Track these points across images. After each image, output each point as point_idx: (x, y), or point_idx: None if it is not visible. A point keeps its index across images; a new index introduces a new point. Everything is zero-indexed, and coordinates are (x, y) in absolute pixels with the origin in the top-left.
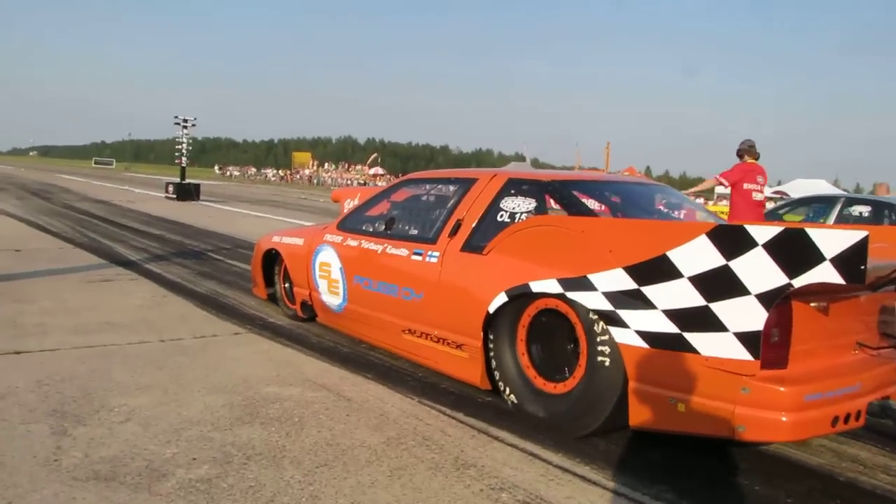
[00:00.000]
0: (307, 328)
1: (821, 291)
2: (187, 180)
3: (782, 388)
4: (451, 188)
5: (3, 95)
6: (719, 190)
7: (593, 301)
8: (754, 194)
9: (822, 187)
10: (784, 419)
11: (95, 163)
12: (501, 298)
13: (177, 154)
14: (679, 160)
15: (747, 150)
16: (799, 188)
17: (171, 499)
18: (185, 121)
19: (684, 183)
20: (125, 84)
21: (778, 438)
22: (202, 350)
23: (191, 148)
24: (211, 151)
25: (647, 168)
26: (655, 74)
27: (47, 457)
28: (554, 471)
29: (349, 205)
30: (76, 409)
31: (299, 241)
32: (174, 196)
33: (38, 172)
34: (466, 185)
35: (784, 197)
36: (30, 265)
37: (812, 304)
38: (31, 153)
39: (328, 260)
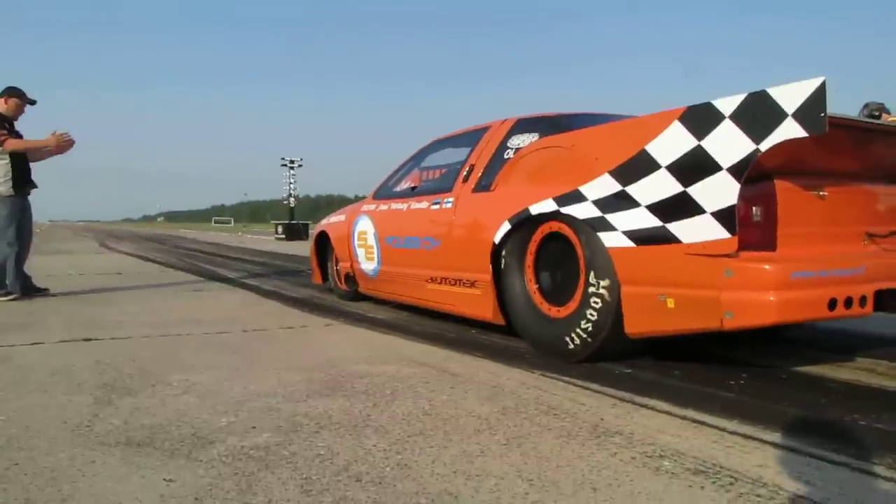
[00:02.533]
0: (407, 318)
1: (809, 172)
2: (296, 220)
3: (767, 266)
4: (468, 140)
5: (132, 171)
6: None
7: (584, 211)
8: None
9: None
10: (771, 298)
11: (214, 222)
12: (505, 227)
13: (285, 195)
14: None
15: (876, 113)
16: None
17: (213, 465)
18: (292, 162)
19: None
20: (240, 149)
21: (766, 321)
22: (287, 338)
23: (298, 192)
24: (324, 208)
25: None
26: None
27: (79, 423)
28: (731, 437)
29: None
30: (129, 384)
31: (342, 218)
32: (283, 236)
33: (162, 229)
34: (480, 133)
35: None
36: (127, 282)
37: (803, 187)
38: (158, 219)
39: (364, 228)
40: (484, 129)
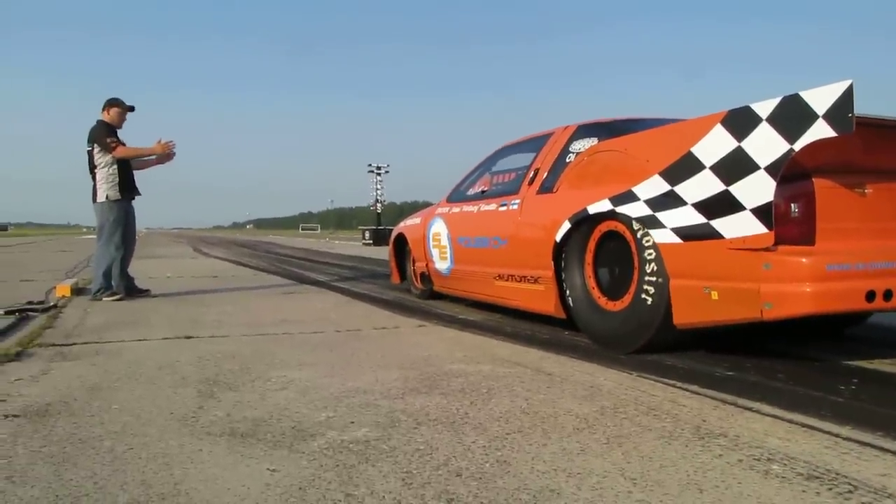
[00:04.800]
0: (500, 320)
1: (848, 170)
2: (382, 226)
3: (803, 259)
4: (533, 145)
5: (222, 180)
6: None
7: (637, 210)
8: None
9: None
10: (807, 289)
11: (302, 229)
12: (566, 227)
13: (372, 201)
14: None
15: None
16: None
17: (315, 457)
18: (379, 168)
19: None
20: (327, 157)
21: (803, 311)
22: (381, 337)
23: (384, 198)
24: (409, 213)
25: None
26: None
27: (185, 414)
28: (846, 444)
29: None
30: (230, 379)
31: (417, 221)
32: (370, 241)
33: (251, 236)
34: (545, 139)
35: None
36: (222, 285)
37: (842, 184)
38: (247, 226)
39: (439, 230)
40: (548, 135)
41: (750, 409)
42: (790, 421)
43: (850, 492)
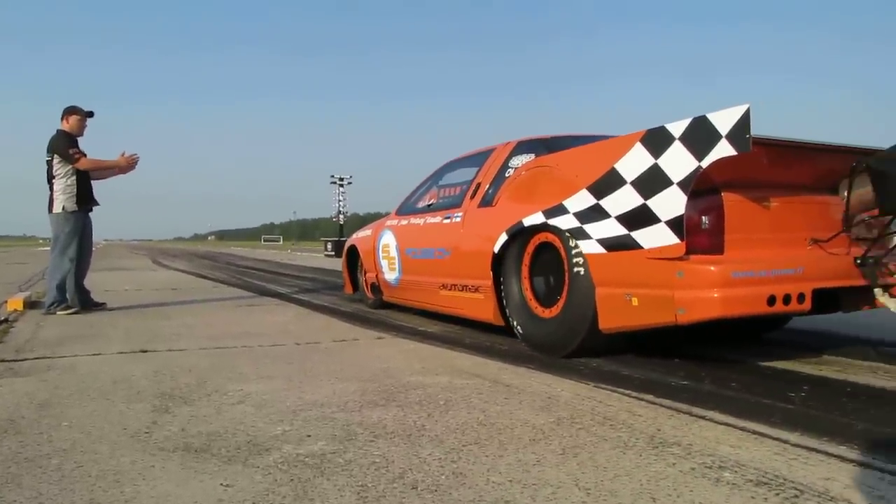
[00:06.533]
0: (459, 332)
1: (754, 185)
2: (345, 237)
3: (712, 268)
4: (477, 160)
5: (187, 191)
6: None
7: (567, 222)
8: None
9: None
10: (715, 295)
11: (264, 240)
12: (503, 238)
13: (335, 212)
14: None
15: None
16: None
17: (269, 471)
18: (341, 179)
19: None
20: (289, 168)
21: (712, 315)
22: (340, 350)
23: (347, 209)
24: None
25: None
26: None
27: (138, 430)
28: (795, 450)
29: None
30: (186, 393)
31: (368, 233)
32: (332, 253)
33: (212, 247)
34: (487, 154)
35: None
36: (182, 297)
37: (749, 198)
38: (209, 237)
39: (388, 242)
40: (490, 151)
41: (704, 418)
42: (742, 428)
43: (797, 496)
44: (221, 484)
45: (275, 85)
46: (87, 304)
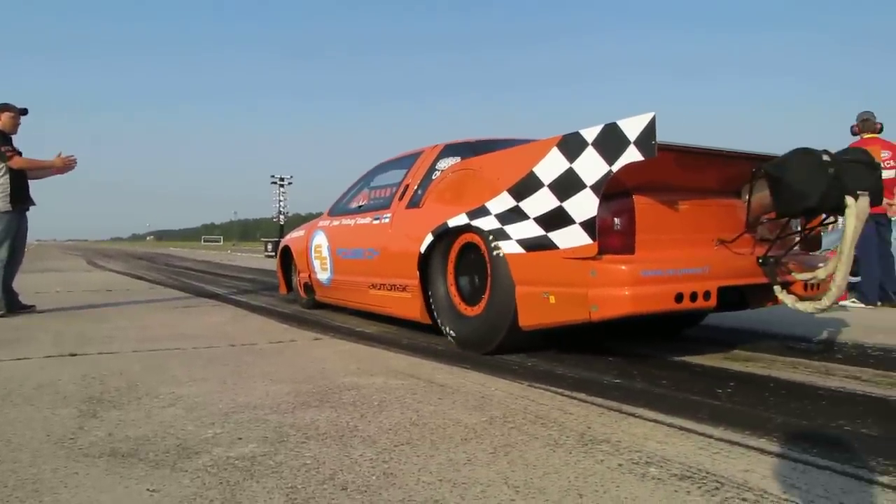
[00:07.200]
0: (396, 332)
1: (665, 189)
2: None
3: (622, 267)
4: (406, 162)
5: (122, 190)
6: None
7: (489, 224)
8: None
9: None
10: (626, 293)
11: (204, 241)
12: (429, 239)
13: (275, 212)
14: None
15: (863, 125)
16: None
17: (198, 475)
18: (282, 179)
19: None
20: (230, 168)
21: (623, 311)
22: (276, 352)
23: (287, 209)
24: None
25: None
26: None
27: (63, 436)
28: (718, 444)
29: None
30: (115, 397)
31: (301, 233)
32: (273, 254)
33: (150, 248)
34: (415, 157)
35: None
36: (117, 299)
37: (659, 201)
38: (148, 238)
39: (320, 242)
40: (419, 153)
41: (633, 415)
42: (669, 424)
43: (717, 488)
44: (148, 489)
45: (216, 84)
46: (14, 306)
